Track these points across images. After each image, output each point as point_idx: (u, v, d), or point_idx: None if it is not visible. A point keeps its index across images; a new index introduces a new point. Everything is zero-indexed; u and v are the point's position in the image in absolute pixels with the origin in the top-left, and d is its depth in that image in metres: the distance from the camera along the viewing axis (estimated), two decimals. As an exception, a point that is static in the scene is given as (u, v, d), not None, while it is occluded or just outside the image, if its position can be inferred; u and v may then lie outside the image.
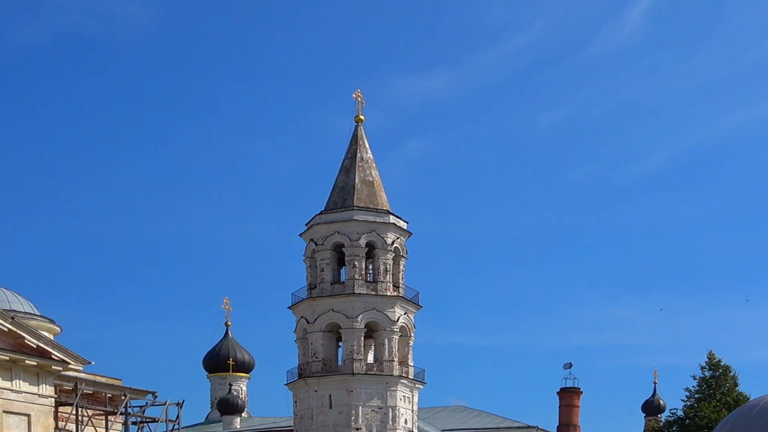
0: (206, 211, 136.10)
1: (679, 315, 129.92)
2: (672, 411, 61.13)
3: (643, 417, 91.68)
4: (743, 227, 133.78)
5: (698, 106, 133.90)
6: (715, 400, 57.22)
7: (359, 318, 60.11)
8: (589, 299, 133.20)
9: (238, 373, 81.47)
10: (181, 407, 45.22)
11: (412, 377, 61.56)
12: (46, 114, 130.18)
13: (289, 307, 62.64)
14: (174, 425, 45.21)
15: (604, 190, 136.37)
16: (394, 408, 60.14)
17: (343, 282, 61.58)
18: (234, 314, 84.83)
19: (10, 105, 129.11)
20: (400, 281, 62.45)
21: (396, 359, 60.92)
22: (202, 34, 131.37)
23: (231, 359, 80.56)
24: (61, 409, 39.84)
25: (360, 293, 60.32)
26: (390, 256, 61.49)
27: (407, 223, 63.30)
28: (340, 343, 61.88)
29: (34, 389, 37.39)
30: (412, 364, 62.16)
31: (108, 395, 41.79)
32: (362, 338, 60.66)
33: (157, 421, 44.79)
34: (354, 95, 64.37)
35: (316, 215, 62.24)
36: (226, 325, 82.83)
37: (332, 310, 60.50)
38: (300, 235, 63.12)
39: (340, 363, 61.69)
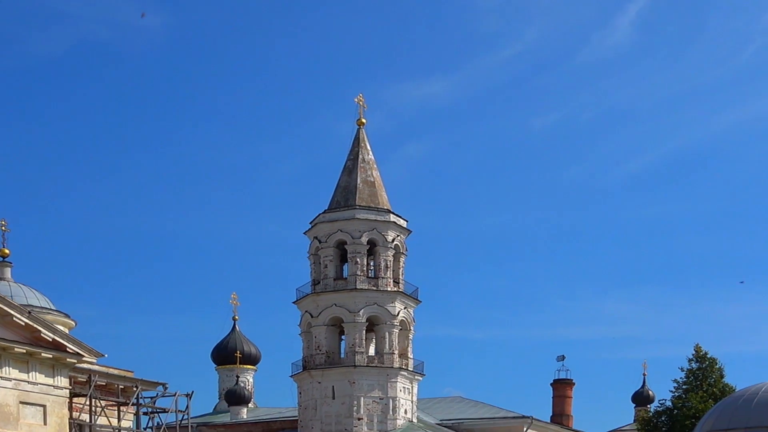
0: (215, 210, 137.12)
1: (667, 309, 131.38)
2: (661, 401, 59.80)
3: (633, 407, 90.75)
4: (728, 225, 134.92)
5: (684, 110, 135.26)
6: (702, 390, 56.30)
7: (361, 312, 60.78)
8: (582, 294, 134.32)
9: (245, 366, 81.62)
10: (190, 398, 45.49)
11: (411, 369, 62.22)
12: (64, 116, 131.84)
13: (293, 302, 63.30)
14: (183, 415, 45.40)
15: (595, 189, 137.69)
16: (394, 399, 60.82)
17: (346, 278, 62.01)
18: (241, 309, 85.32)
19: (31, 109, 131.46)
20: (400, 277, 62.96)
21: (396, 352, 61.48)
22: (209, 41, 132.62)
23: (238, 352, 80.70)
24: (75, 400, 40.00)
25: (362, 289, 60.93)
26: (390, 253, 62.17)
27: (407, 221, 63.71)
28: (343, 337, 62.23)
29: (50, 381, 37.84)
30: (411, 357, 62.66)
31: (120, 387, 41.74)
32: (364, 332, 61.23)
33: (168, 412, 44.95)
34: (356, 99, 64.86)
35: (319, 214, 62.81)
36: (234, 319, 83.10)
37: (335, 304, 61.13)
38: (304, 233, 63.73)
39: (342, 356, 62.06)
